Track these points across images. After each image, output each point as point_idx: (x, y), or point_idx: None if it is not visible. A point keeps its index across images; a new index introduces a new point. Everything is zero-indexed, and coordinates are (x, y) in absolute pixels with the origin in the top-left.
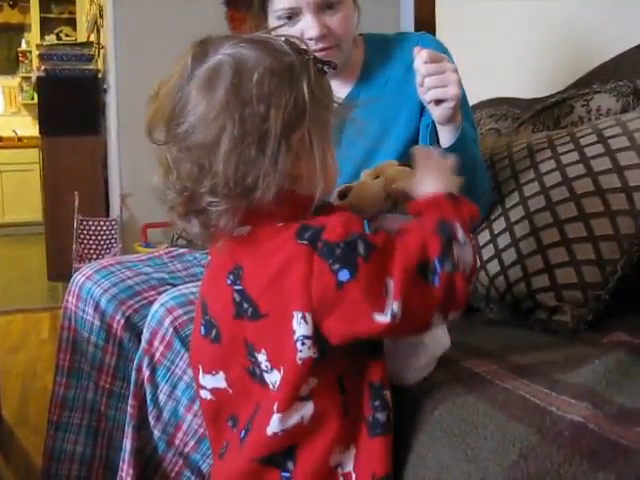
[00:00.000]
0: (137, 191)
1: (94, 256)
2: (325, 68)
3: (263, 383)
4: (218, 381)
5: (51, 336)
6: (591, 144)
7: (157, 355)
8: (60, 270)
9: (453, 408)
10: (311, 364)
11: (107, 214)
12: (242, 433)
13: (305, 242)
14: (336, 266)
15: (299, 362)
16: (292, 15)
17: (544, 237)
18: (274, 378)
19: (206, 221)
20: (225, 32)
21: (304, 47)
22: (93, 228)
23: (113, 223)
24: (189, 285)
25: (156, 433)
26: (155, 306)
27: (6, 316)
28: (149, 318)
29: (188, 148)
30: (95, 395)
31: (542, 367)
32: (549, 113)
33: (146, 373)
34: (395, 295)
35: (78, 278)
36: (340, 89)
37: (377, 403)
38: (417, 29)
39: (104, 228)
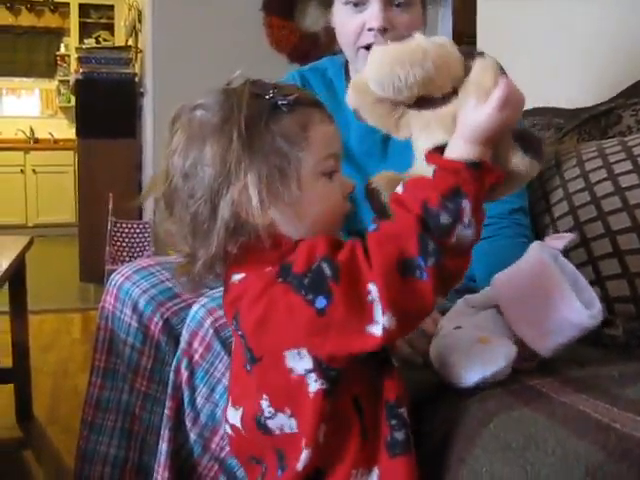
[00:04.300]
0: None
1: (127, 258)
2: (282, 106)
3: (266, 430)
4: (236, 417)
5: (82, 337)
6: None
7: (196, 357)
8: (92, 272)
9: (509, 421)
10: (324, 395)
11: (140, 217)
12: (278, 471)
13: (282, 281)
14: (310, 296)
15: (311, 396)
16: (359, 3)
17: (595, 248)
18: (279, 422)
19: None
20: (262, 38)
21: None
22: (126, 231)
23: (146, 226)
24: None
25: (192, 436)
26: (195, 307)
27: (38, 316)
28: (189, 319)
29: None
30: (130, 397)
31: (598, 381)
32: (595, 123)
33: (184, 375)
34: (383, 307)
35: (117, 278)
36: None
37: (394, 422)
38: (456, 40)
39: (137, 231)
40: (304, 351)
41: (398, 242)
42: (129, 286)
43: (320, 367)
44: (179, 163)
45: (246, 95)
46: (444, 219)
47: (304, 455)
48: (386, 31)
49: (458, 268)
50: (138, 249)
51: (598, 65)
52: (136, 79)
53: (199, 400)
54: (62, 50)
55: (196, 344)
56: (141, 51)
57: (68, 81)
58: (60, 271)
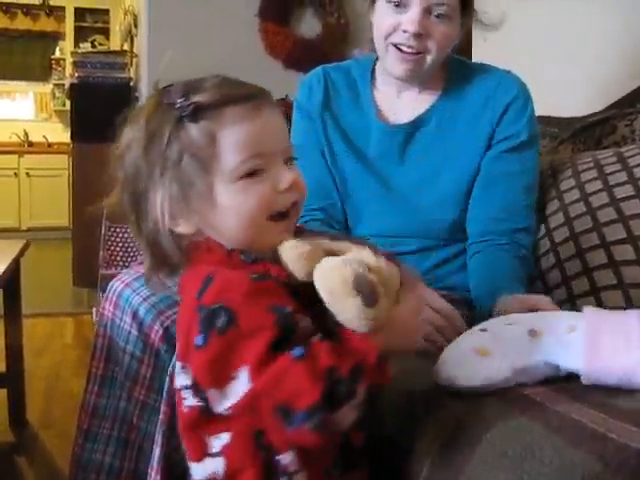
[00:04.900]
0: None
1: (120, 263)
2: (186, 117)
3: None
4: None
5: (75, 341)
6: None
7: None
8: (86, 276)
9: (506, 430)
10: (199, 412)
11: None
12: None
13: (197, 297)
14: (198, 327)
15: (186, 409)
16: (401, 4)
17: (590, 259)
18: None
19: None
20: (258, 44)
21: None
22: (120, 235)
23: None
24: None
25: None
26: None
27: (31, 319)
28: None
29: None
30: (127, 406)
31: (589, 390)
32: (590, 132)
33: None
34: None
35: (116, 285)
36: (424, 99)
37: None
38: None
39: (131, 236)
40: (185, 367)
41: (296, 390)
42: (129, 293)
43: (197, 387)
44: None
45: (150, 109)
46: (342, 392)
47: (193, 468)
48: (420, 36)
49: (310, 443)
50: (132, 254)
51: (592, 75)
52: (131, 84)
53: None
54: (57, 54)
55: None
56: (136, 56)
57: (63, 85)
58: (53, 275)
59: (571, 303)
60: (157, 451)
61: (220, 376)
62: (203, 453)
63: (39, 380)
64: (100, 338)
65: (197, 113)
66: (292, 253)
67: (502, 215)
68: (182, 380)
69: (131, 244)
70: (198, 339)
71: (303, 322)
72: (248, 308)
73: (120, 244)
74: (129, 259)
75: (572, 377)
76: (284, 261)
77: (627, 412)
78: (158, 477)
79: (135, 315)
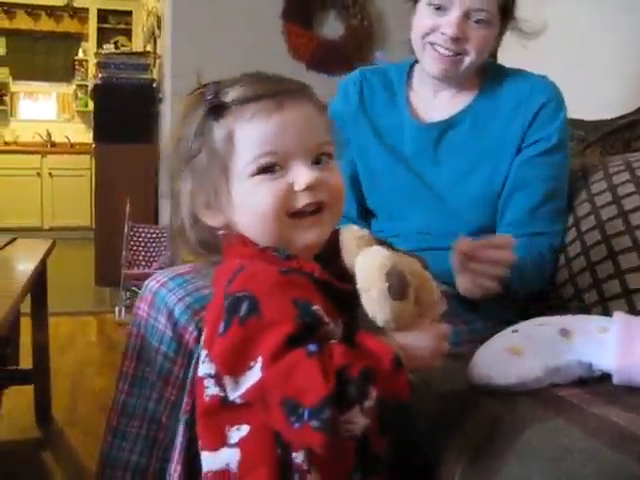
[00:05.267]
0: None
1: (143, 263)
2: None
3: None
4: None
5: (98, 339)
6: None
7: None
8: (108, 276)
9: (542, 431)
10: (220, 402)
11: (157, 222)
12: None
13: (226, 284)
14: (223, 314)
15: (207, 399)
16: (441, 7)
17: (622, 261)
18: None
19: None
20: (281, 45)
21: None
22: (143, 235)
23: (163, 231)
24: None
25: None
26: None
27: (54, 318)
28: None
29: None
30: (157, 406)
31: (625, 393)
32: (618, 136)
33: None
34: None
35: (152, 284)
36: (459, 100)
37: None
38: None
39: (154, 235)
40: (209, 355)
41: (305, 385)
42: (165, 293)
43: (218, 376)
44: None
45: (187, 105)
46: (352, 392)
47: (203, 456)
48: (458, 40)
49: (318, 446)
50: (155, 254)
51: (621, 75)
52: (154, 84)
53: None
54: (80, 55)
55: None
56: (159, 57)
57: (85, 86)
58: (75, 274)
59: (602, 305)
60: (179, 442)
61: (237, 364)
62: (220, 443)
63: (64, 378)
64: (133, 338)
65: (220, 111)
66: (350, 235)
67: (525, 218)
68: (206, 368)
69: (153, 244)
70: (221, 326)
71: (328, 323)
72: (271, 299)
73: (142, 244)
74: (151, 259)
75: (604, 378)
76: (341, 242)
77: None
78: (179, 467)
79: (170, 315)
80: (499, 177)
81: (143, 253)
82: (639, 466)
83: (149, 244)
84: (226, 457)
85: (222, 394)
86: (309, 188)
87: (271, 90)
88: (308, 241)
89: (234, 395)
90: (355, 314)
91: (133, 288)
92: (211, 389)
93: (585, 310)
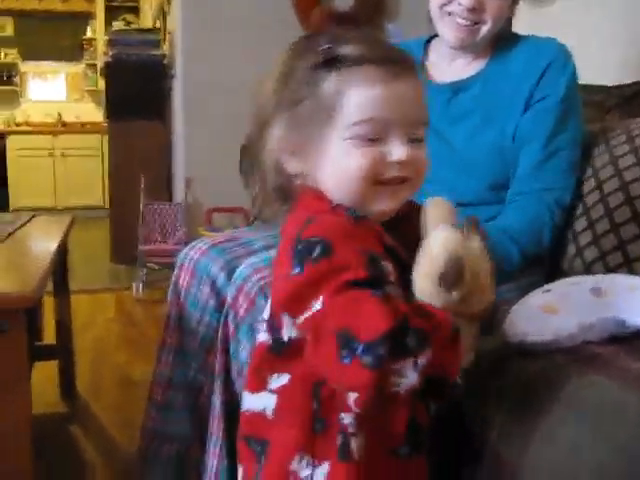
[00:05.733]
0: (200, 176)
1: (159, 239)
2: (325, 64)
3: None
4: None
5: (117, 316)
6: None
7: (241, 311)
8: (123, 253)
9: (580, 387)
10: (266, 349)
11: (171, 199)
12: None
13: (296, 235)
14: (293, 259)
15: (257, 344)
16: None
17: None
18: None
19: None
20: (290, 16)
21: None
22: (158, 212)
23: (178, 207)
24: None
25: (239, 388)
26: (243, 265)
27: (73, 296)
28: (235, 275)
29: None
30: (199, 375)
31: None
32: (639, 100)
33: (231, 328)
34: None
35: (191, 254)
36: (473, 66)
37: (342, 427)
38: None
39: (169, 212)
40: (269, 300)
41: (366, 318)
42: (207, 262)
43: (272, 321)
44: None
45: (294, 49)
46: (410, 342)
47: (245, 396)
48: (474, 10)
49: (360, 386)
50: (170, 230)
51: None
52: (165, 61)
53: (243, 353)
54: (88, 34)
55: (241, 299)
56: (170, 33)
57: (94, 65)
58: (91, 253)
59: (628, 267)
60: (217, 400)
61: (299, 304)
62: (261, 387)
63: (86, 354)
64: (174, 308)
65: (334, 64)
66: (433, 206)
67: (532, 173)
68: (264, 313)
69: (168, 220)
70: (294, 269)
71: (392, 282)
72: (344, 245)
73: (158, 221)
74: (167, 235)
75: (636, 334)
76: (426, 212)
77: None
78: (221, 424)
79: (213, 285)
80: (509, 132)
81: (159, 230)
82: None
83: (164, 220)
84: (264, 401)
85: (270, 342)
86: (401, 163)
87: (389, 57)
88: (384, 208)
89: (289, 334)
90: (408, 286)
91: (150, 264)
92: (262, 335)
93: (610, 271)
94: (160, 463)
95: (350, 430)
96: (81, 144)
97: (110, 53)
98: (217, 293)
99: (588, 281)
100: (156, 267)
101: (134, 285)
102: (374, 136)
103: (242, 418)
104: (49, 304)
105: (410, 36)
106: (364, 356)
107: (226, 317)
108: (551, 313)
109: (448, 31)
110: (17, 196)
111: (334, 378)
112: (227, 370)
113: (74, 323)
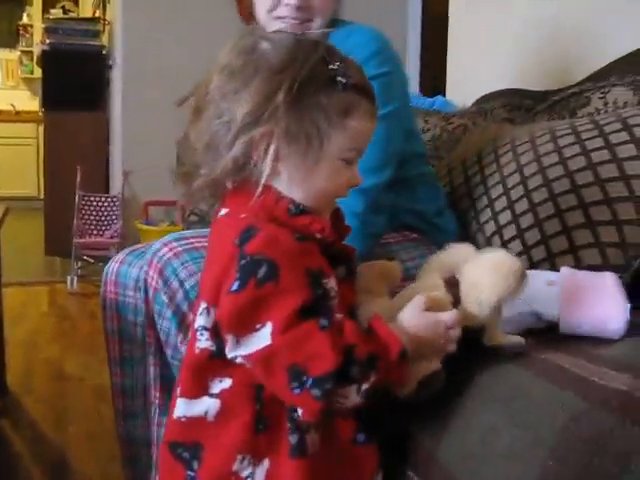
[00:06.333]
0: (138, 168)
1: (94, 232)
2: (339, 83)
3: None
4: None
5: (50, 309)
6: (615, 131)
7: (154, 284)
8: (58, 245)
9: (497, 375)
10: (209, 355)
11: (107, 190)
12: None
13: (237, 243)
14: (236, 274)
15: (197, 351)
16: None
17: (568, 219)
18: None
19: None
20: (232, 11)
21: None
22: (94, 204)
23: (114, 200)
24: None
25: (168, 357)
26: (156, 243)
27: (4, 288)
28: (148, 253)
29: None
30: (148, 378)
31: (574, 342)
32: (565, 104)
33: (151, 303)
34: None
35: (112, 266)
36: None
37: (289, 424)
38: (427, 21)
39: (105, 204)
40: (213, 310)
41: (315, 356)
42: (126, 269)
43: (214, 330)
44: (222, 81)
45: (315, 56)
46: (354, 372)
47: (179, 403)
48: (301, 8)
49: (309, 413)
50: (106, 222)
51: (567, 49)
52: (104, 51)
53: (164, 323)
54: (25, 20)
55: (152, 272)
56: (109, 23)
57: (30, 52)
58: (24, 244)
59: (550, 262)
60: (151, 371)
61: (243, 324)
62: (201, 392)
63: (17, 348)
64: (108, 322)
65: (349, 85)
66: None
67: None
68: (202, 321)
69: (105, 213)
70: (234, 284)
71: (334, 297)
72: (290, 266)
73: (93, 213)
74: (102, 228)
75: (551, 328)
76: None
77: (608, 359)
78: (157, 393)
79: (136, 284)
80: None
81: (94, 222)
82: (585, 402)
83: (100, 213)
84: (205, 406)
85: (212, 348)
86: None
87: (371, 93)
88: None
89: (233, 354)
90: (353, 270)
91: (85, 257)
92: (202, 342)
93: (533, 266)
94: (143, 467)
95: (304, 426)
96: (14, 133)
97: (47, 41)
98: (140, 290)
99: None
100: (91, 260)
101: (68, 278)
102: (351, 162)
103: (172, 425)
104: None
105: None
106: (313, 389)
107: (146, 293)
108: None
109: None
110: None
111: (285, 400)
112: (158, 342)
113: (6, 316)
